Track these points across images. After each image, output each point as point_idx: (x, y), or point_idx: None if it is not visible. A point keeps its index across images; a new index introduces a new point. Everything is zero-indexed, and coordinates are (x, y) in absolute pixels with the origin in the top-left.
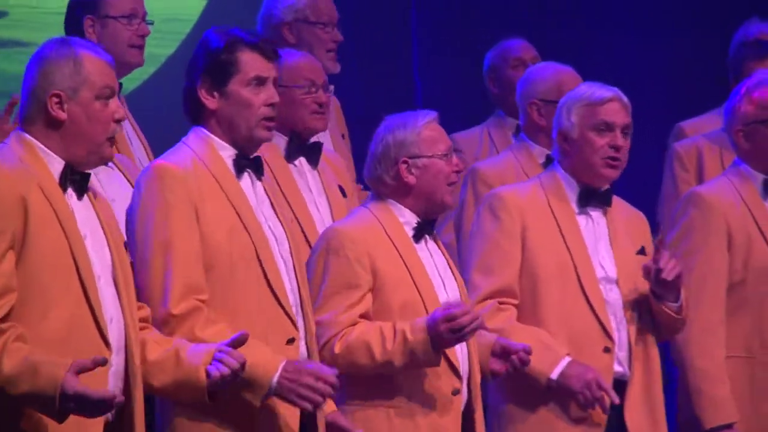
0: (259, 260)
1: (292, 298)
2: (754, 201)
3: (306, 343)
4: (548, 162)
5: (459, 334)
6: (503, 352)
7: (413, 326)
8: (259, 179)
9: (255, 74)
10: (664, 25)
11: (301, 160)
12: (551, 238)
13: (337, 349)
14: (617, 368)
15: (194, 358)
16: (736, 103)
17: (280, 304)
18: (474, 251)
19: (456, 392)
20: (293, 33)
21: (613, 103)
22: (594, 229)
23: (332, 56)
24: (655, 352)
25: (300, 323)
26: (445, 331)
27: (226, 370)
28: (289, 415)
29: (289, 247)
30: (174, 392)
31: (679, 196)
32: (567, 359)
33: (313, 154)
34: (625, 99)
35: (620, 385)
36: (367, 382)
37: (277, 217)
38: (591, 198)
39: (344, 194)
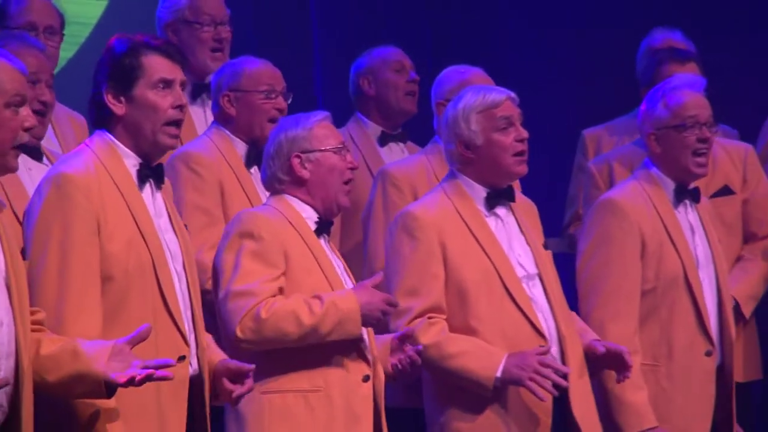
0: (156, 273)
1: (184, 314)
2: (665, 208)
3: (198, 359)
4: None
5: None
6: (401, 341)
7: (343, 296)
8: (159, 189)
9: (160, 77)
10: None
11: (256, 169)
12: (469, 247)
13: (263, 314)
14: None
15: (93, 352)
16: (651, 106)
17: (173, 319)
18: (396, 274)
19: (366, 378)
20: (175, 34)
21: (507, 102)
22: (505, 229)
23: (218, 56)
24: (580, 342)
25: (192, 339)
26: (380, 304)
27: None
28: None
29: (183, 261)
30: (69, 387)
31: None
32: (506, 355)
33: None
34: (513, 94)
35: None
36: (283, 368)
37: (174, 230)
38: (498, 197)
39: None
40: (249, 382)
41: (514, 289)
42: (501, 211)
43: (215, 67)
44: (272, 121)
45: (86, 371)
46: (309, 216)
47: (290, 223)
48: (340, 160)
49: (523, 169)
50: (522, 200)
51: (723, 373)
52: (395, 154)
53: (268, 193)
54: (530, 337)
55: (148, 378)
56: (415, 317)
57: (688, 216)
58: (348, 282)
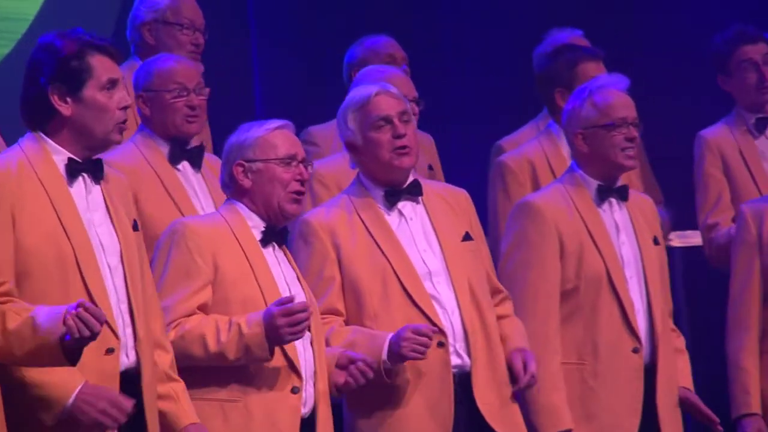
0: (79, 267)
1: (116, 307)
2: (587, 207)
3: (137, 352)
4: None
5: (295, 329)
6: (348, 363)
7: (249, 319)
8: (97, 183)
9: (108, 77)
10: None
11: (185, 164)
12: (365, 247)
13: (172, 336)
14: (456, 360)
15: (49, 324)
16: (577, 105)
17: None
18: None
19: (295, 390)
20: (152, 34)
21: (380, 97)
22: (409, 226)
23: (193, 57)
24: (497, 337)
25: (125, 332)
26: (283, 325)
27: (79, 332)
28: None
29: (120, 254)
30: (36, 359)
31: None
32: (389, 336)
33: (196, 157)
34: (393, 89)
35: (464, 376)
36: (203, 375)
37: (112, 224)
38: (397, 195)
39: None
40: None
41: (412, 287)
42: (406, 208)
43: None
44: (190, 118)
45: (45, 344)
46: (255, 225)
47: (232, 231)
48: (285, 171)
49: (405, 161)
50: (446, 193)
51: (652, 370)
52: None
53: (199, 186)
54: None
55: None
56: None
57: (613, 215)
58: (298, 292)
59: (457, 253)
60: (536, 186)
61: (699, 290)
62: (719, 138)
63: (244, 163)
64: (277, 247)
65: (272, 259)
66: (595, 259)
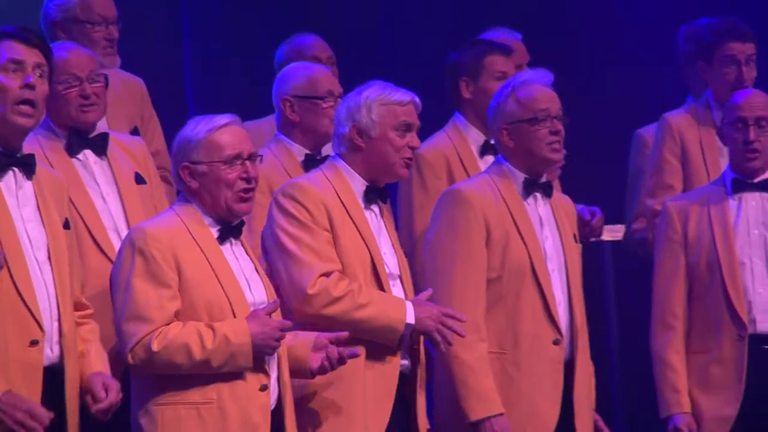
0: (6, 260)
1: (43, 301)
2: (513, 199)
3: (61, 346)
4: (308, 160)
5: (277, 343)
6: (324, 346)
7: (236, 329)
8: (29, 178)
9: (9, 57)
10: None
11: (86, 153)
12: (349, 233)
13: (155, 347)
14: (403, 362)
15: None
16: (501, 101)
17: (26, 305)
18: (291, 236)
19: (264, 388)
20: (65, 32)
21: (411, 106)
22: (378, 225)
23: (109, 51)
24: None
25: (50, 326)
26: (279, 338)
27: None
28: None
29: (48, 250)
30: None
31: (433, 203)
32: (412, 304)
33: (99, 145)
34: (418, 100)
35: (403, 377)
36: (177, 381)
37: (41, 220)
38: (375, 194)
39: (143, 181)
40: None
41: (385, 283)
42: (375, 207)
43: (108, 64)
44: (84, 107)
45: None
46: (210, 223)
47: (190, 232)
48: (230, 171)
49: (406, 172)
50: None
51: (570, 364)
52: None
53: (102, 174)
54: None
55: None
56: (321, 275)
57: (538, 209)
58: (255, 285)
59: (405, 261)
60: (451, 178)
61: (627, 284)
62: (682, 123)
63: (189, 165)
64: (234, 241)
65: (230, 256)
66: (520, 250)
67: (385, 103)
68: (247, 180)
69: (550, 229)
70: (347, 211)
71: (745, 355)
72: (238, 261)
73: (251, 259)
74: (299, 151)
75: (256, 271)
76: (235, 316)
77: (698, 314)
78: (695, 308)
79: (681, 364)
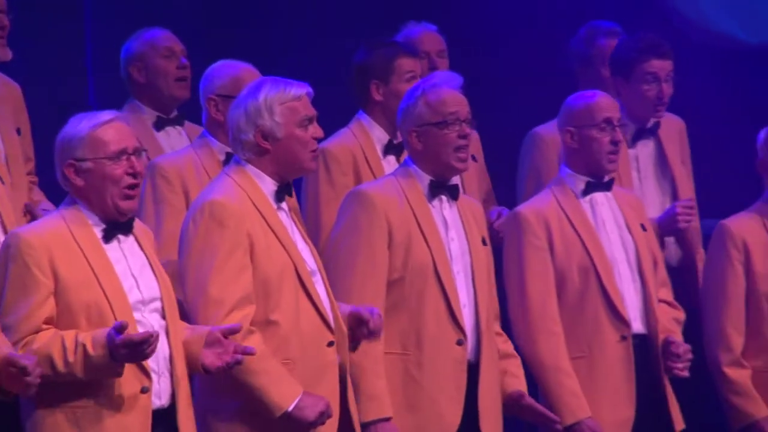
0: None
1: None
2: (418, 201)
3: None
4: (228, 159)
5: (138, 358)
6: (217, 341)
7: (94, 340)
8: None
9: None
10: (338, 26)
11: None
12: (269, 240)
13: None
14: (338, 359)
15: None
16: (411, 103)
17: None
18: (205, 264)
19: (145, 390)
20: None
21: (306, 97)
22: (290, 224)
23: (1, 42)
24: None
25: None
26: (125, 355)
27: None
28: None
29: None
30: None
31: (339, 198)
32: (302, 392)
33: None
34: (311, 89)
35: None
36: (56, 384)
37: None
38: (284, 192)
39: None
40: None
41: (308, 283)
42: (284, 205)
43: (1, 54)
44: None
45: None
46: (95, 223)
47: (72, 234)
48: (116, 167)
49: (315, 165)
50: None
51: (475, 366)
52: (173, 139)
53: None
54: (321, 330)
55: None
56: (231, 309)
57: (443, 211)
58: (146, 281)
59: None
60: (357, 175)
61: None
62: (554, 137)
63: (74, 162)
64: (123, 237)
65: (117, 254)
66: (423, 251)
67: (284, 102)
68: (134, 175)
69: (456, 231)
70: (264, 218)
71: (631, 355)
72: (126, 259)
73: (145, 255)
74: (221, 150)
75: (150, 266)
76: (116, 319)
77: (573, 319)
78: (569, 313)
79: (571, 368)
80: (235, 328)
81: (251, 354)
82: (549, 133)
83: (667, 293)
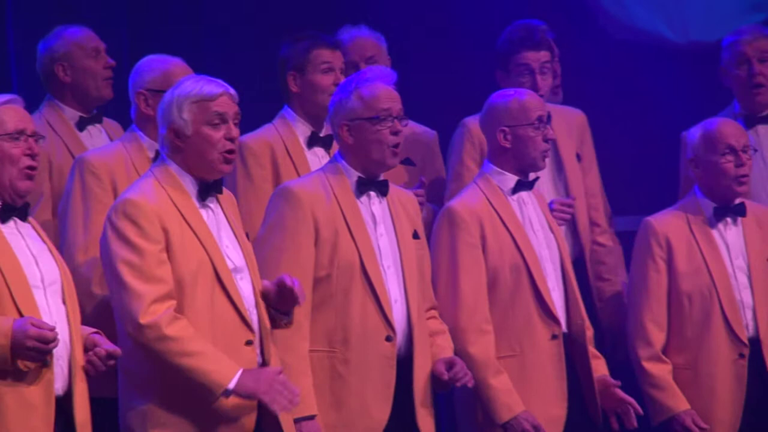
0: None
1: None
2: (346, 197)
3: None
4: (158, 155)
5: (41, 355)
6: (93, 347)
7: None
8: None
9: None
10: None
11: None
12: (186, 238)
13: None
14: (259, 359)
15: None
16: (343, 97)
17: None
18: (121, 259)
19: (46, 364)
20: None
21: (224, 98)
22: (216, 220)
23: None
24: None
25: None
26: (31, 348)
27: None
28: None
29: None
30: None
31: (257, 191)
32: (241, 369)
33: None
34: (232, 90)
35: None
36: None
37: None
38: (209, 191)
39: None
40: None
41: (227, 281)
42: (212, 203)
43: None
44: None
45: None
46: None
47: None
48: (15, 147)
49: (227, 168)
50: (228, 195)
51: (408, 361)
52: (95, 138)
53: None
54: (239, 329)
55: None
56: (153, 302)
57: (372, 207)
58: (47, 264)
59: (251, 252)
60: (275, 168)
61: None
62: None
63: None
64: (21, 222)
65: (14, 236)
66: (350, 248)
67: (195, 100)
68: (32, 156)
69: (385, 226)
70: (182, 215)
71: (562, 353)
72: (24, 240)
73: (43, 239)
74: (150, 146)
75: (49, 250)
76: (14, 300)
77: (505, 318)
78: (500, 312)
79: (501, 366)
80: (116, 352)
81: (117, 355)
82: (477, 124)
83: None
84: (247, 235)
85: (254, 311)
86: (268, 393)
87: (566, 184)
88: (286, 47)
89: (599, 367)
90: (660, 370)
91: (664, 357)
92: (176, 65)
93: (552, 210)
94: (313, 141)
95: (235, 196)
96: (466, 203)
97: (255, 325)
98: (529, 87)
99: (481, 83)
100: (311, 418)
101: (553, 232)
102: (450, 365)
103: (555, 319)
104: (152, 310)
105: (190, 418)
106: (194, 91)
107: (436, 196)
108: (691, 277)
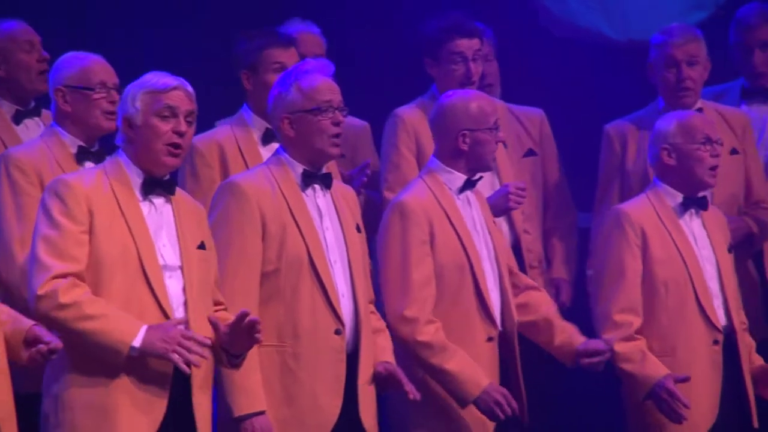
0: None
1: None
2: (292, 191)
3: None
4: (81, 152)
5: None
6: (35, 341)
7: None
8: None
9: None
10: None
11: None
12: (116, 225)
13: None
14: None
15: None
16: (283, 90)
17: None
18: (40, 235)
19: None
20: None
21: (177, 91)
22: (158, 218)
23: None
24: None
25: None
26: None
27: None
28: None
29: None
30: None
31: (204, 192)
32: (145, 326)
33: None
34: (190, 88)
35: (177, 372)
36: None
37: None
38: (154, 186)
39: None
40: None
41: (152, 274)
42: (158, 200)
43: None
44: None
45: None
46: None
47: None
48: None
49: (172, 161)
50: (189, 201)
51: (354, 354)
52: (32, 131)
53: None
54: (160, 321)
55: None
56: (56, 276)
57: (317, 200)
58: None
59: (193, 255)
60: (225, 168)
61: None
62: (414, 118)
63: None
64: None
65: None
66: (297, 242)
67: (148, 92)
68: None
69: (330, 219)
70: (119, 204)
71: (497, 355)
72: None
73: None
74: (72, 143)
75: None
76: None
77: (445, 316)
78: (441, 310)
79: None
80: (57, 347)
81: (57, 349)
82: (410, 114)
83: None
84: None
85: (181, 310)
86: (176, 350)
87: (500, 180)
88: (239, 45)
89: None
90: (633, 346)
91: (637, 336)
92: (95, 62)
93: (508, 193)
94: (268, 138)
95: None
96: (417, 198)
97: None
98: (462, 74)
99: (407, 74)
100: (261, 413)
101: (491, 231)
102: (389, 376)
103: (493, 321)
104: (52, 283)
105: (102, 396)
106: (149, 82)
107: (369, 185)
108: (666, 265)
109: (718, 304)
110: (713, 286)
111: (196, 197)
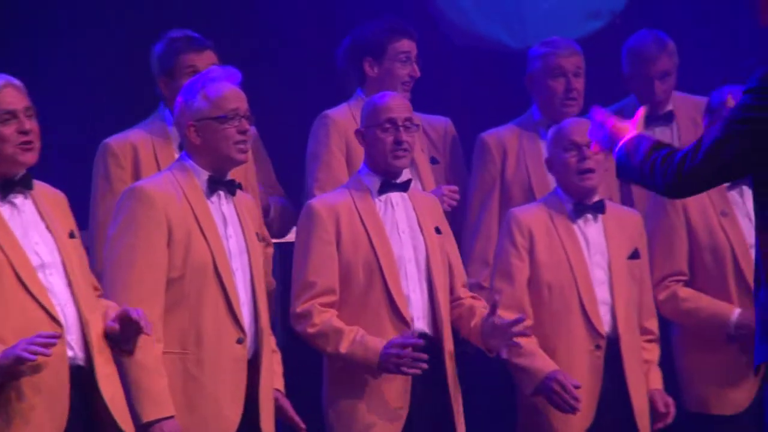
0: None
1: None
2: (197, 198)
3: None
4: None
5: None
6: None
7: None
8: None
9: None
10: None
11: None
12: None
13: None
14: (69, 353)
15: None
16: (189, 98)
17: None
18: None
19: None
20: None
21: (7, 90)
22: (21, 217)
23: None
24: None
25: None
26: None
27: None
28: None
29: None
30: None
31: (116, 193)
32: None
33: None
34: (17, 81)
35: (77, 370)
36: None
37: None
38: (13, 185)
39: None
40: None
41: (28, 278)
42: (17, 199)
43: None
44: None
45: None
46: None
47: None
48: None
49: (28, 157)
50: (48, 190)
51: (255, 363)
52: None
53: None
54: (45, 324)
55: None
56: None
57: (221, 207)
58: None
59: (69, 247)
60: (137, 171)
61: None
62: (345, 120)
63: None
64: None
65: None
66: (202, 249)
67: None
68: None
69: (233, 227)
70: None
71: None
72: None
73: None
74: None
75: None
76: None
77: (355, 315)
78: (351, 309)
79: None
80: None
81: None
82: (340, 116)
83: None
84: None
85: (69, 306)
86: (20, 344)
87: (422, 183)
88: (155, 50)
89: None
90: (527, 342)
91: (528, 333)
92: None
93: (441, 195)
94: None
95: (93, 198)
96: (326, 200)
97: (66, 320)
98: (408, 74)
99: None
100: (170, 418)
101: (423, 235)
102: (278, 409)
103: (405, 321)
104: None
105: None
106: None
107: (274, 192)
108: (552, 269)
109: (605, 310)
110: (600, 292)
111: (108, 198)
